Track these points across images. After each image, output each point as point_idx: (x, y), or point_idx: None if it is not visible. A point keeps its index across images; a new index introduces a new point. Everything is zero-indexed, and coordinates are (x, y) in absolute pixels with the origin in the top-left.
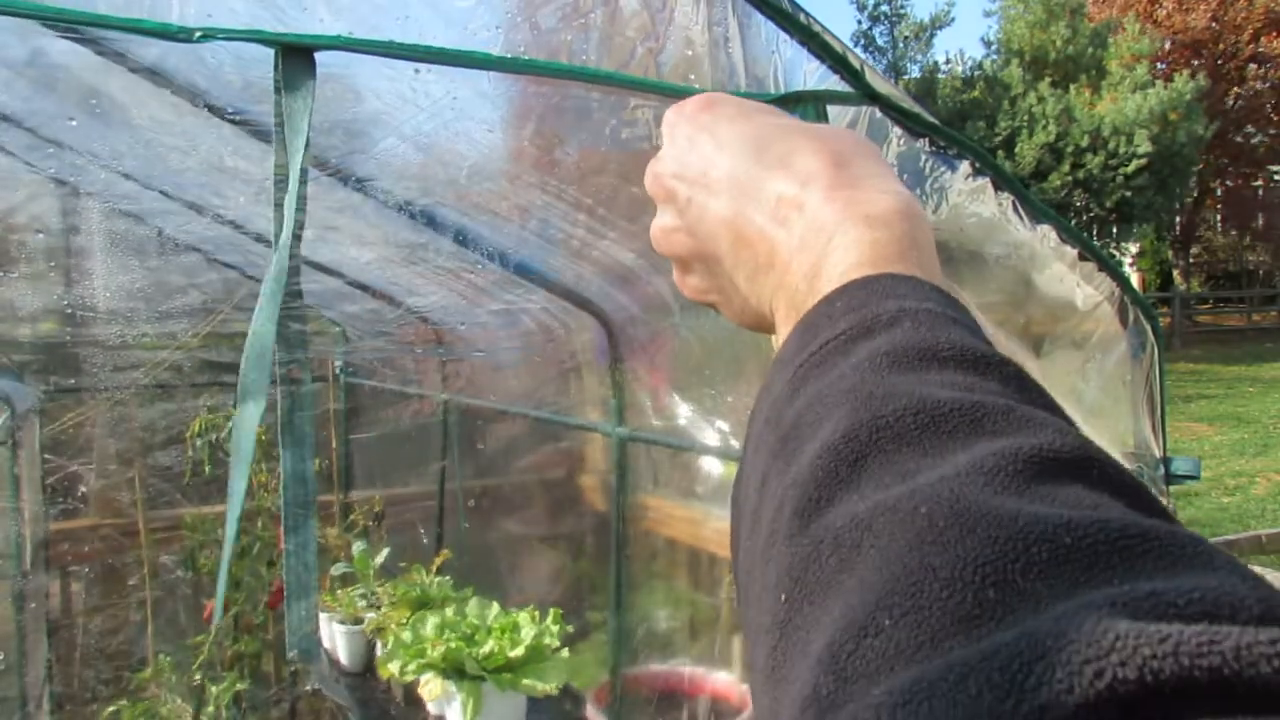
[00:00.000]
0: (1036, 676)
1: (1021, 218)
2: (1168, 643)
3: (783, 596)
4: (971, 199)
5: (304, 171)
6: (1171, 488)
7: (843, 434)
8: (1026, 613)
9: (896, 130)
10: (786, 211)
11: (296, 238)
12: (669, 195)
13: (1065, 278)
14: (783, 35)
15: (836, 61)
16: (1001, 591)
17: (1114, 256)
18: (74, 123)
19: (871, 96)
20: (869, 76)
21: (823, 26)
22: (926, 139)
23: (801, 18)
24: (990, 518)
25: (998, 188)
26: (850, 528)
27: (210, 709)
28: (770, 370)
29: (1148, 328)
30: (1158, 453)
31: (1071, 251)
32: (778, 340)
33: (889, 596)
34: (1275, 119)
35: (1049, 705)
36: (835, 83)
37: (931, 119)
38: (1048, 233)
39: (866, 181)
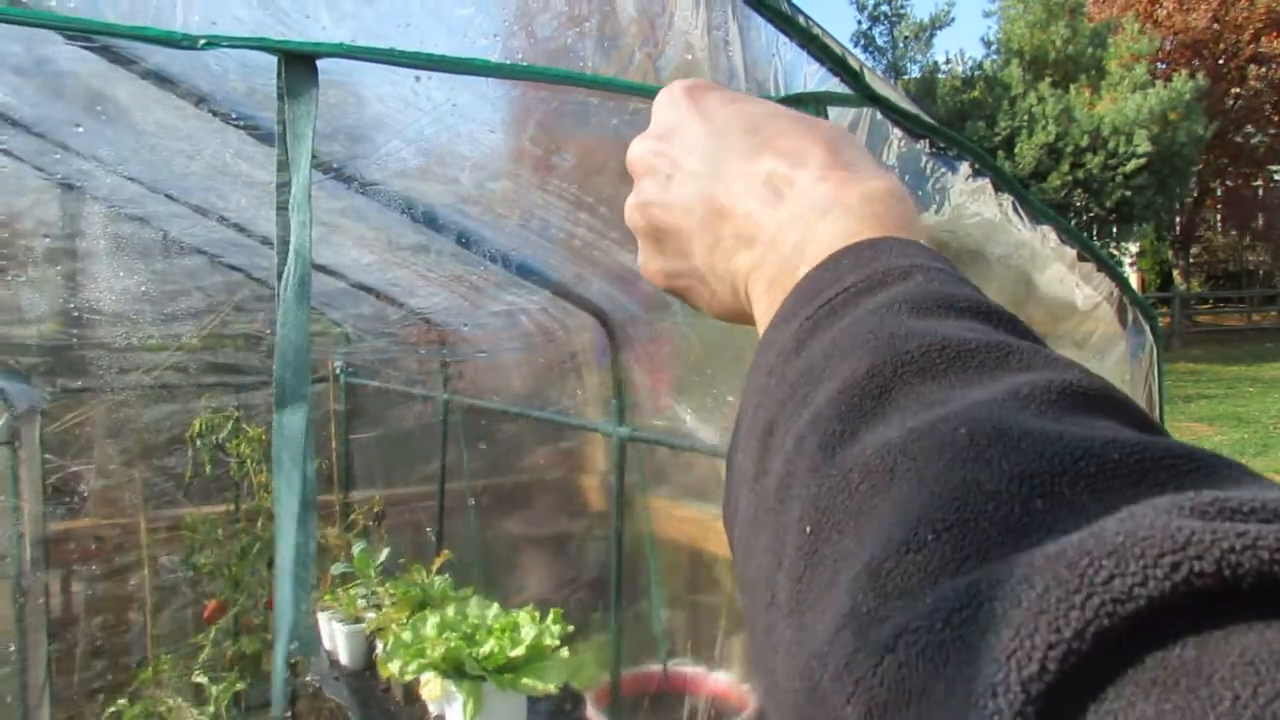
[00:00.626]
0: (1108, 571)
1: (1022, 218)
2: (1246, 537)
3: (808, 529)
4: (973, 199)
5: (308, 175)
6: None
7: (865, 371)
8: (1078, 523)
9: (896, 132)
10: (777, 185)
11: (310, 243)
12: (649, 168)
13: (1065, 278)
14: (782, 38)
15: (836, 64)
16: (1050, 502)
17: (1114, 256)
18: (80, 128)
19: (872, 98)
20: (868, 78)
21: (822, 29)
22: (926, 140)
23: (801, 20)
24: (1034, 436)
25: (997, 188)
26: (881, 454)
27: (210, 709)
28: (767, 331)
29: (1146, 328)
30: None
31: (1071, 252)
32: (760, 317)
33: (931, 512)
34: (1275, 119)
35: (1122, 599)
36: (835, 85)
37: (930, 120)
38: (1047, 233)
39: (859, 166)
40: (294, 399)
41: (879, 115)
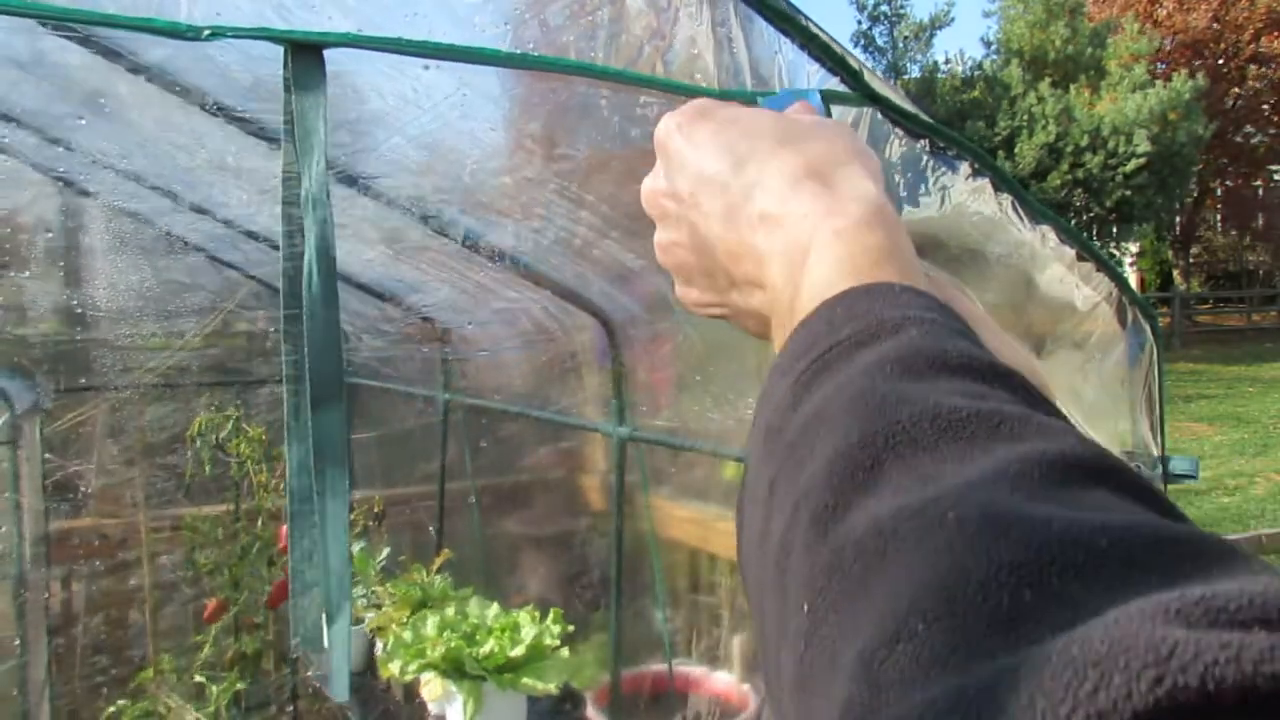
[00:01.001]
0: (1092, 683)
1: (1021, 218)
2: (1229, 649)
3: (805, 607)
4: (973, 198)
5: (324, 180)
6: (1170, 487)
7: (857, 439)
8: (1065, 616)
9: (897, 131)
10: (769, 229)
11: (332, 242)
12: (662, 212)
13: (1065, 278)
14: (784, 38)
15: (836, 63)
16: (1038, 594)
17: (1114, 256)
18: (82, 121)
19: (872, 98)
20: (868, 78)
21: (821, 29)
22: (926, 139)
23: (801, 20)
24: (1023, 522)
25: (997, 188)
26: (872, 534)
27: (210, 709)
28: (767, 378)
29: (1146, 328)
30: (1156, 452)
31: (1070, 252)
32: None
33: (921, 601)
34: (1275, 119)
35: (1106, 713)
36: (836, 84)
37: (930, 120)
38: (1047, 233)
39: (842, 188)
40: (330, 399)
41: (878, 115)
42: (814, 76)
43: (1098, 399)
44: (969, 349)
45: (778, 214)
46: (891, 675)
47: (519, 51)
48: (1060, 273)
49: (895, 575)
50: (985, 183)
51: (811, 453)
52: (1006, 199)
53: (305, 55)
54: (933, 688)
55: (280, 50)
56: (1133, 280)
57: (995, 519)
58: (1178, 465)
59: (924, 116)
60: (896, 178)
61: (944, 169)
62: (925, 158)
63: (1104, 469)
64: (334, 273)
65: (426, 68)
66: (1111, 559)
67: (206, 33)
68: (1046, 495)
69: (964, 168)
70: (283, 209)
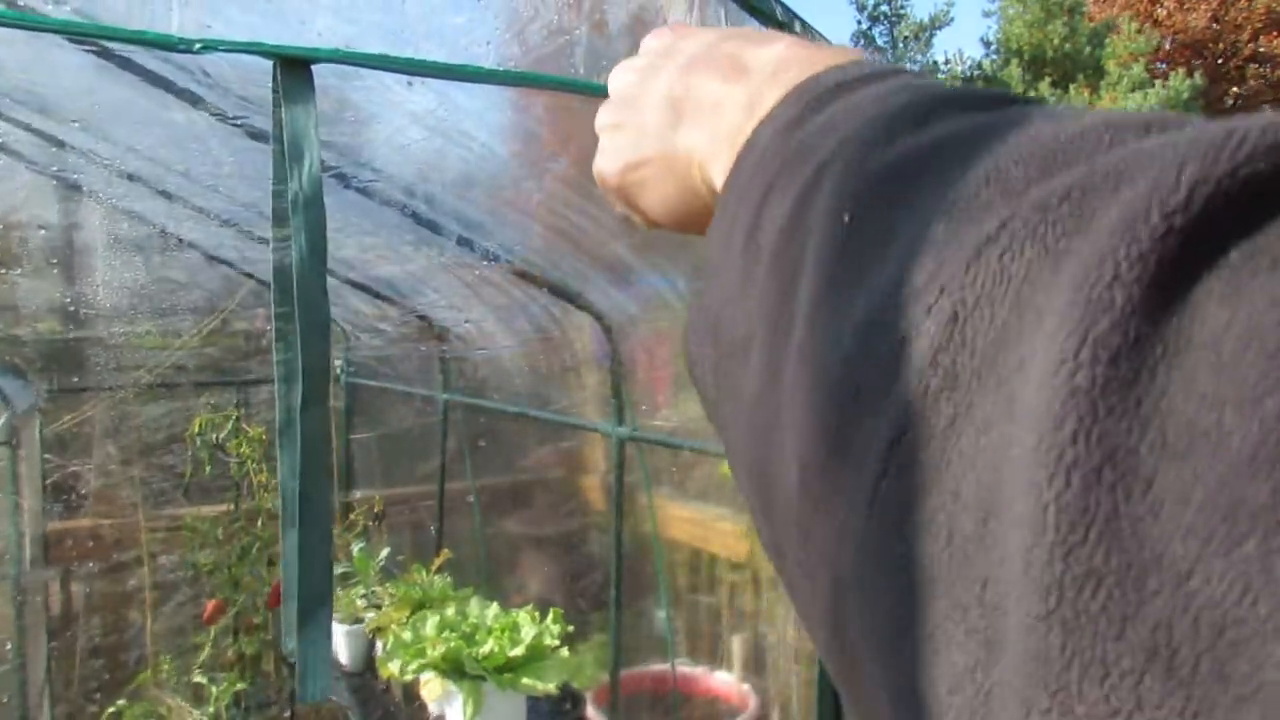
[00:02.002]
0: (1242, 133)
1: None
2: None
3: (846, 218)
4: None
5: (317, 182)
6: None
7: (902, 104)
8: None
9: None
10: (741, 63)
11: (323, 246)
12: (630, 69)
13: None
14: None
15: None
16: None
17: None
18: (75, 124)
19: None
20: None
21: (819, 34)
22: None
23: (797, 26)
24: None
25: None
26: (946, 137)
27: (210, 709)
28: (758, 128)
29: None
30: None
31: None
32: (718, 176)
33: (1019, 147)
34: None
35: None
36: None
37: None
38: None
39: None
40: (318, 400)
41: None
42: None
43: None
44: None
45: (755, 52)
46: (1001, 185)
47: (501, 68)
48: None
49: (985, 143)
50: None
51: (838, 133)
52: None
53: (294, 69)
54: (1053, 181)
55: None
56: None
57: (1064, 113)
58: None
59: None
60: None
61: None
62: None
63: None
64: (324, 273)
65: (410, 84)
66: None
67: (198, 46)
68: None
69: None
70: (273, 209)
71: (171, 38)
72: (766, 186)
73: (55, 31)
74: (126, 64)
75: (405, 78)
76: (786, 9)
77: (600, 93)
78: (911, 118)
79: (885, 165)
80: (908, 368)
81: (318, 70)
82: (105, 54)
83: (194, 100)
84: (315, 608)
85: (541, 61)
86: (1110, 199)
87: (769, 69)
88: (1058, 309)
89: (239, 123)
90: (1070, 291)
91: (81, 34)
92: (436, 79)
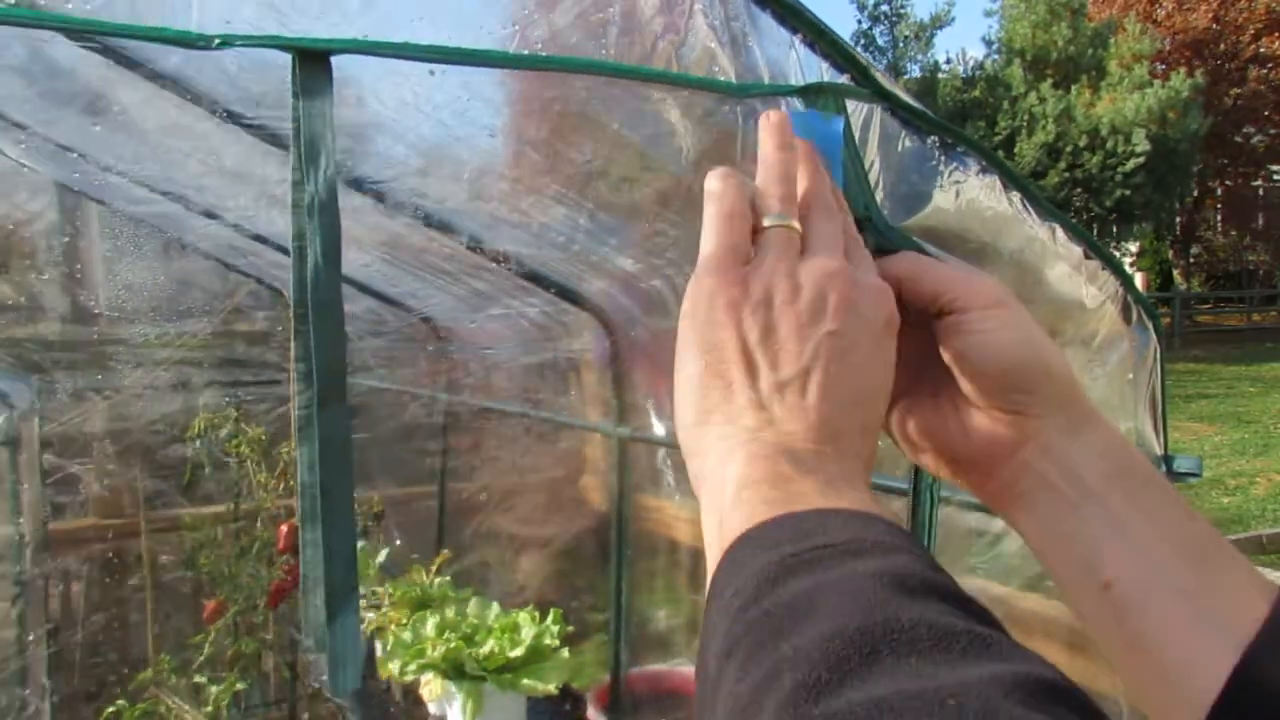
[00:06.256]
0: None
1: (1031, 214)
2: None
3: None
4: (986, 194)
5: (333, 182)
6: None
7: (856, 627)
8: None
9: (905, 129)
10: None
11: (337, 249)
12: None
13: (1073, 276)
14: (795, 36)
15: (846, 59)
16: None
17: (1114, 256)
18: (96, 127)
19: (881, 94)
20: (875, 75)
21: (828, 28)
22: (936, 136)
23: (808, 15)
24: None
25: (1006, 186)
26: (871, 706)
27: (210, 709)
28: (735, 547)
29: (1150, 327)
30: (1159, 451)
31: (1078, 250)
32: (713, 501)
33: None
34: (1275, 119)
35: None
36: (845, 80)
37: (936, 118)
38: (1055, 230)
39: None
40: (335, 398)
41: (886, 115)
42: (825, 75)
43: (1104, 397)
44: (951, 583)
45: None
46: None
47: (526, 53)
48: (1068, 270)
49: None
50: (995, 179)
51: (797, 628)
52: (1016, 195)
53: (312, 62)
54: None
55: (288, 58)
56: (1138, 281)
57: (993, 713)
58: (1182, 464)
59: (930, 114)
60: (888, 184)
61: (956, 165)
62: (937, 154)
63: (1071, 693)
64: (339, 277)
65: (432, 72)
66: None
67: (217, 41)
68: (1035, 705)
69: (973, 164)
70: (292, 212)
71: (189, 34)
72: (734, 639)
73: (68, 29)
74: (133, 64)
75: (424, 68)
76: (799, 3)
77: (635, 76)
78: (864, 649)
79: None
80: None
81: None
82: (109, 52)
83: (197, 99)
84: (343, 600)
85: (573, 46)
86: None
87: (733, 486)
88: None
89: (243, 123)
90: None
91: (101, 31)
92: (458, 66)
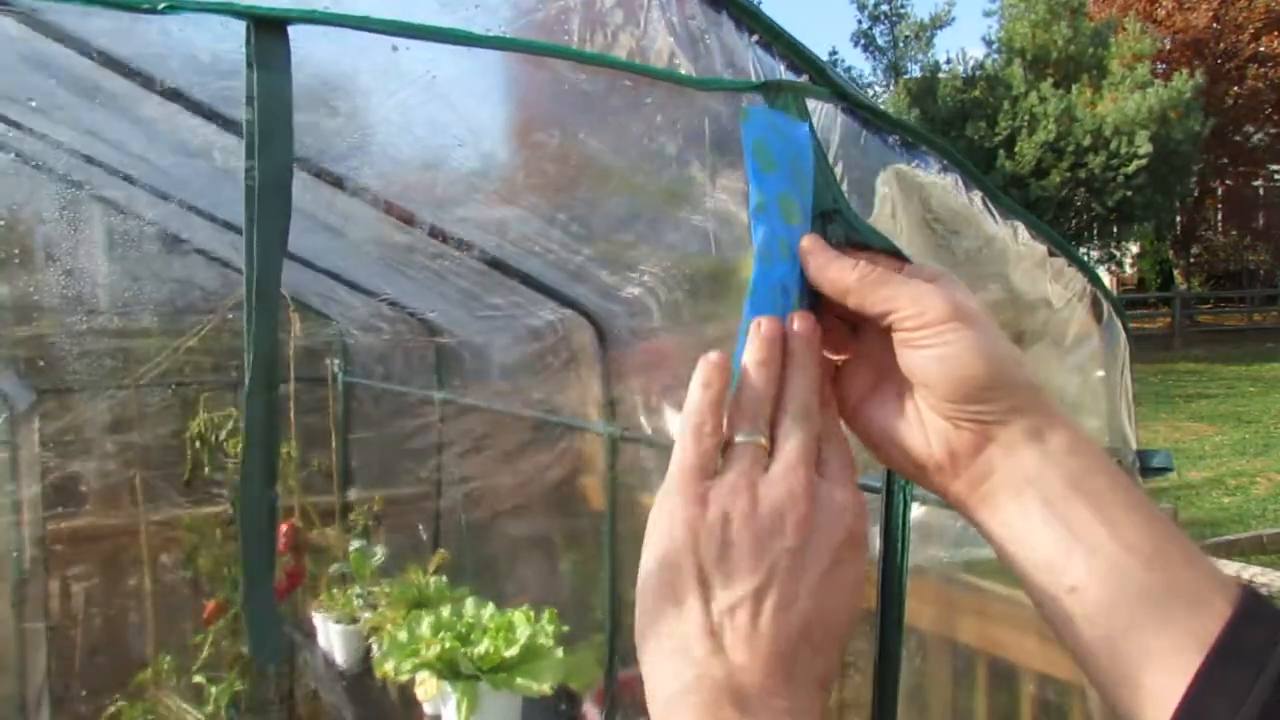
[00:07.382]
0: None
1: (993, 214)
2: None
3: None
4: (945, 193)
5: (287, 164)
6: (1148, 480)
7: None
8: None
9: (865, 129)
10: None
11: (283, 236)
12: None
13: (1034, 274)
14: (752, 38)
15: (802, 60)
16: None
17: (1115, 256)
18: (77, 124)
19: (840, 94)
20: (832, 75)
21: (784, 30)
22: (897, 135)
23: (765, 18)
24: None
25: (967, 185)
26: None
27: (209, 709)
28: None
29: (1119, 324)
30: (1134, 447)
31: (1041, 248)
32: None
33: None
34: (1275, 118)
35: None
36: (804, 81)
37: (896, 117)
38: (1018, 227)
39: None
40: (262, 389)
41: (848, 117)
42: (784, 75)
43: (1078, 395)
44: None
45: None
46: None
47: (492, 34)
48: (1031, 269)
49: None
50: (957, 178)
51: None
52: (977, 194)
53: (268, 31)
54: None
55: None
56: (1135, 280)
57: None
58: (1154, 459)
59: (889, 114)
60: (845, 193)
61: (917, 163)
62: (898, 152)
63: None
64: (280, 264)
65: (395, 49)
66: None
67: (162, 5)
68: None
69: (934, 163)
70: (245, 195)
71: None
72: None
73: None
74: (128, 71)
75: (398, 55)
76: (753, 4)
77: (600, 63)
78: None
79: None
80: None
81: (322, 68)
82: (99, 53)
83: (196, 107)
84: (258, 578)
85: (537, 29)
86: None
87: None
88: None
89: (225, 116)
90: None
91: None
92: (424, 41)
